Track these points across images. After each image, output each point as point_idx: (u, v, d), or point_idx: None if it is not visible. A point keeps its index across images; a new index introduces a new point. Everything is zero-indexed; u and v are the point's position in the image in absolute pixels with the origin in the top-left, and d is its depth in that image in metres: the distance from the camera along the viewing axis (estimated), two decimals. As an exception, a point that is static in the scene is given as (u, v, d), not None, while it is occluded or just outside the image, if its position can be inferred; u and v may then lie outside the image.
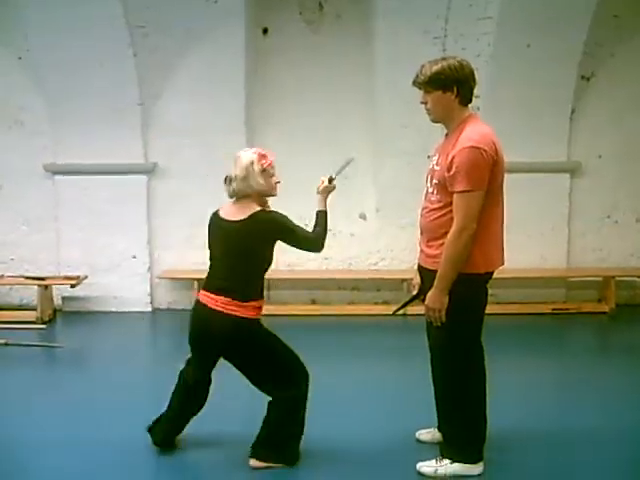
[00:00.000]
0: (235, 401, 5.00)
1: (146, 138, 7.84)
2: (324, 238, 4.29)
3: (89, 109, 7.59)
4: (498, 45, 7.39)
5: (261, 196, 4.20)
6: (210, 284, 4.21)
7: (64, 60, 7.39)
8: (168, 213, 7.99)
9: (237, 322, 4.11)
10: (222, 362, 4.30)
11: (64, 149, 7.78)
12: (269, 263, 4.23)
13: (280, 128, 8.00)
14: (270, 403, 4.24)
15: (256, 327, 4.20)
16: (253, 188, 4.12)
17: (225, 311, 4.09)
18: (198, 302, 4.24)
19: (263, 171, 4.14)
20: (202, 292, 4.23)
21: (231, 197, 4.23)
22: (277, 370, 4.23)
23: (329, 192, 4.42)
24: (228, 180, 4.18)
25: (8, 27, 7.61)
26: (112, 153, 7.74)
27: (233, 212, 4.17)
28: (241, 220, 4.10)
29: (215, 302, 4.12)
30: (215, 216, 4.28)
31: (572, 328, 7.58)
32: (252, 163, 4.12)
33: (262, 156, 4.17)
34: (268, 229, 4.12)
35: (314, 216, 4.34)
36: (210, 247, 4.30)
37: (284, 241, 4.19)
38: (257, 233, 4.11)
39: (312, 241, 4.27)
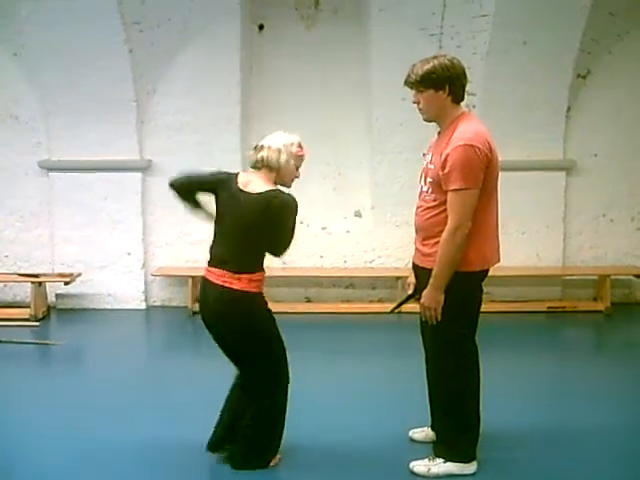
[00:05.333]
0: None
1: (141, 135, 7.81)
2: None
3: (84, 105, 7.56)
4: (494, 42, 7.36)
5: (279, 178, 4.11)
6: (212, 258, 4.12)
7: (59, 56, 7.36)
8: (163, 210, 7.94)
9: (234, 295, 4.00)
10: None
11: (59, 145, 7.75)
12: (272, 238, 4.05)
13: (276, 124, 7.95)
14: (252, 411, 4.14)
15: (256, 302, 4.08)
16: (281, 164, 4.04)
17: (223, 284, 4.01)
18: (202, 278, 4.16)
19: (295, 157, 4.11)
20: (205, 268, 4.14)
21: (253, 166, 4.12)
22: (268, 359, 4.12)
23: None
24: (259, 147, 4.10)
25: (3, 23, 7.56)
26: (107, 150, 7.71)
27: (251, 184, 4.05)
28: (257, 193, 4.00)
29: (214, 275, 4.05)
30: (233, 183, 4.11)
31: (567, 327, 7.57)
32: (292, 144, 4.10)
33: (300, 145, 4.15)
34: (277, 210, 3.97)
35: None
36: (218, 214, 4.16)
37: (274, 229, 4.01)
38: (268, 210, 3.97)
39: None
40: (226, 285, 4.01)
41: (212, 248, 4.16)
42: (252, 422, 4.15)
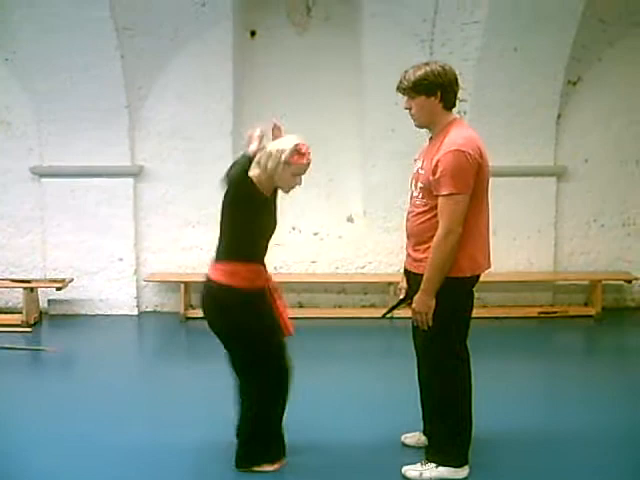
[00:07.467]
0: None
1: (133, 141, 7.80)
2: None
3: (76, 111, 7.55)
4: (485, 49, 7.39)
5: (273, 181, 3.96)
6: None
7: (51, 62, 7.35)
8: (155, 216, 7.96)
9: (209, 285, 4.03)
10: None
11: (51, 151, 7.74)
12: (247, 224, 3.96)
13: (268, 131, 7.97)
14: (241, 402, 4.17)
15: (229, 296, 3.97)
16: (267, 169, 3.89)
17: (208, 274, 4.06)
18: None
19: (286, 164, 3.91)
20: None
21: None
22: (248, 358, 4.07)
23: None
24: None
25: (-5, 29, 7.57)
26: (99, 156, 7.70)
27: None
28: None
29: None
30: None
31: (559, 332, 7.59)
32: (283, 151, 3.90)
33: (301, 152, 3.94)
34: (232, 180, 3.97)
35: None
36: None
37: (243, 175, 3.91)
38: (229, 189, 3.97)
39: None
40: (207, 274, 4.07)
41: None
42: (239, 423, 4.19)
